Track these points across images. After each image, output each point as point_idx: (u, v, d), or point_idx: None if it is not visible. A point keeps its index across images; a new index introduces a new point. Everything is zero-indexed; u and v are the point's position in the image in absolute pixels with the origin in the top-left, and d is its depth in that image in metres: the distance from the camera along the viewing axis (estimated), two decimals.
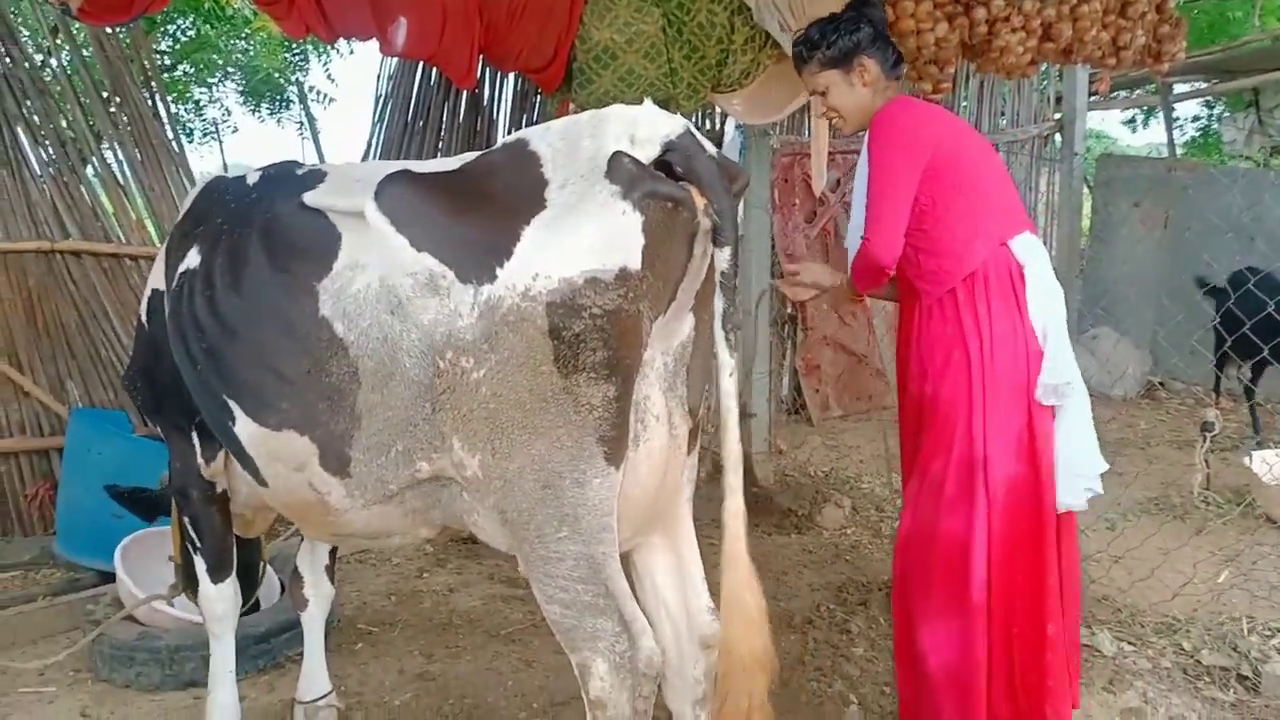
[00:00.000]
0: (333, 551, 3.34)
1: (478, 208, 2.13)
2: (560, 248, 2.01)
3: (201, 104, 9.77)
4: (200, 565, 3.01)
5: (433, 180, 2.21)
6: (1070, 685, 2.88)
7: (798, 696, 3.43)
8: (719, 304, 2.13)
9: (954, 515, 2.76)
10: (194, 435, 2.80)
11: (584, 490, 2.11)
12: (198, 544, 3.00)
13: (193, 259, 2.59)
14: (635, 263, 2.00)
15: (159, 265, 2.82)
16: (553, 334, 2.01)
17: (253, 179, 2.68)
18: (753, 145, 5.69)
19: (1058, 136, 8.29)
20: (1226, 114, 12.51)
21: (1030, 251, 2.80)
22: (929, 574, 2.81)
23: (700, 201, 2.07)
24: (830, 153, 5.16)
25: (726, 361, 2.14)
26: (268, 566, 3.97)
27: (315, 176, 2.48)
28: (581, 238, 2.00)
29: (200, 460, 2.81)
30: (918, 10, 4.76)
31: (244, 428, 2.45)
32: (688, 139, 2.09)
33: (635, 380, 2.14)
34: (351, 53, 9.61)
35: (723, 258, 2.10)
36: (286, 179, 2.56)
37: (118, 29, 4.57)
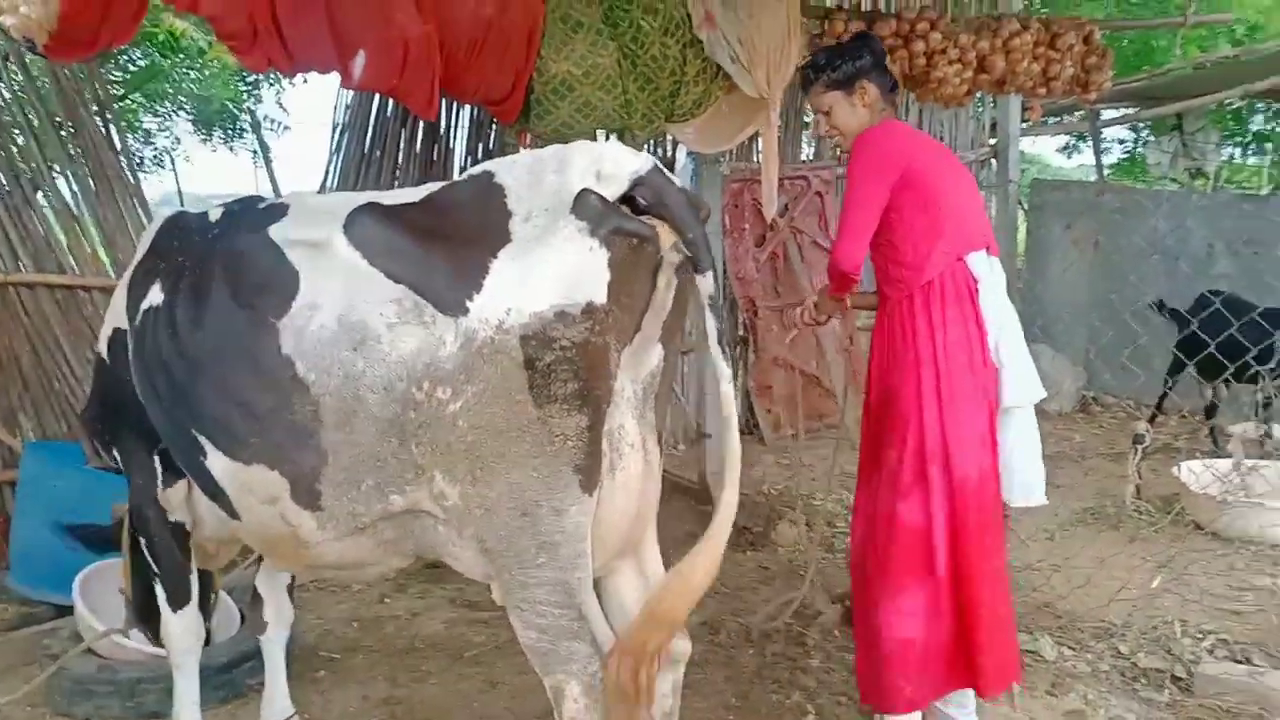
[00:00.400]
0: (292, 575, 3.36)
1: (444, 238, 2.18)
2: (529, 282, 2.08)
3: (152, 133, 9.71)
4: (161, 594, 3.01)
5: (400, 211, 2.26)
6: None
7: (757, 709, 3.53)
8: (711, 324, 2.19)
9: (909, 501, 2.98)
10: (155, 462, 2.81)
11: (561, 518, 2.18)
12: (156, 570, 3.00)
13: (155, 296, 2.60)
14: (601, 297, 2.08)
15: (120, 301, 2.82)
16: (527, 365, 2.08)
17: (215, 215, 2.70)
18: (704, 172, 5.85)
19: (994, 161, 8.56)
20: (1151, 138, 13.00)
21: (984, 268, 3.05)
22: (887, 557, 3.01)
23: (666, 237, 2.15)
24: (779, 179, 5.30)
25: (725, 372, 2.19)
26: (225, 596, 4.00)
27: (278, 210, 2.50)
28: (549, 272, 2.07)
29: (159, 485, 2.82)
30: None
31: (215, 462, 2.47)
32: (656, 175, 2.17)
33: (606, 410, 2.20)
34: (305, 81, 9.62)
35: (706, 284, 2.17)
36: (249, 213, 2.59)
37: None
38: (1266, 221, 6.61)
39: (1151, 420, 6.25)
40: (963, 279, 3.02)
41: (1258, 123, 13.84)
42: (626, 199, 2.16)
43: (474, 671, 3.89)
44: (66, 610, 3.99)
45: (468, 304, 2.10)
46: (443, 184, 2.37)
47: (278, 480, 2.36)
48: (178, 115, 9.93)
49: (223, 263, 2.45)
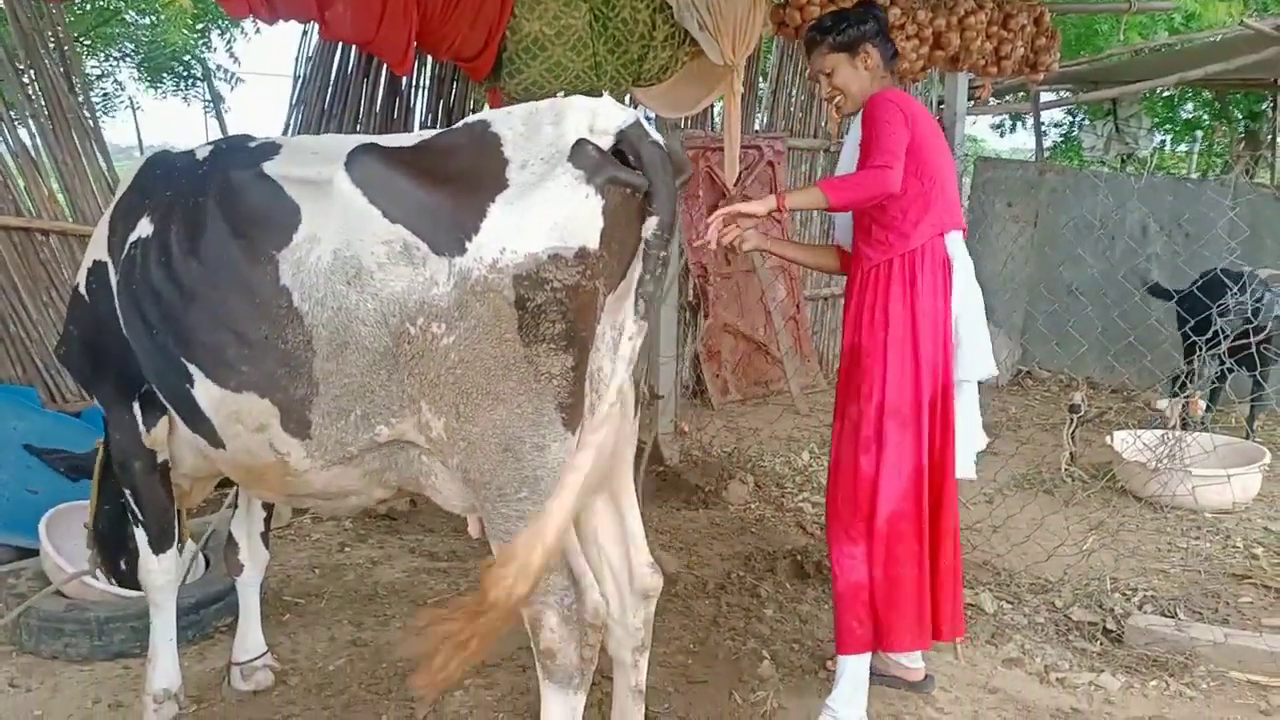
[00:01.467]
0: (267, 519, 3.43)
1: (442, 182, 2.23)
2: (525, 225, 2.14)
3: (97, 78, 9.42)
4: (142, 537, 3.04)
5: (400, 154, 2.30)
6: (955, 616, 3.28)
7: (715, 654, 3.67)
8: (635, 270, 2.24)
9: (867, 454, 3.12)
10: (135, 405, 2.83)
11: (543, 454, 2.26)
12: (140, 516, 3.03)
13: (145, 228, 2.62)
14: (594, 243, 2.16)
15: (101, 237, 2.83)
16: (518, 304, 2.15)
17: (203, 152, 2.72)
18: (665, 138, 5.91)
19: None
20: (1087, 121, 13.36)
21: (958, 248, 3.19)
22: (844, 503, 3.19)
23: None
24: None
25: (629, 327, 2.22)
26: (192, 543, 4.03)
27: (270, 148, 2.55)
28: (546, 216, 2.14)
29: (141, 428, 2.85)
30: (822, 15, 5.07)
31: (203, 390, 2.51)
32: (636, 129, 2.24)
33: (590, 352, 2.28)
34: (258, 31, 9.42)
35: (649, 225, 2.21)
36: (240, 150, 2.62)
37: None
38: (1198, 204, 6.91)
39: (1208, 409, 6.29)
40: (940, 254, 3.14)
41: (1188, 110, 14.31)
42: (617, 152, 2.22)
43: None
44: (28, 552, 3.98)
45: (465, 244, 2.16)
46: (437, 131, 2.42)
47: (268, 408, 2.41)
48: (125, 62, 9.66)
49: (219, 196, 2.48)
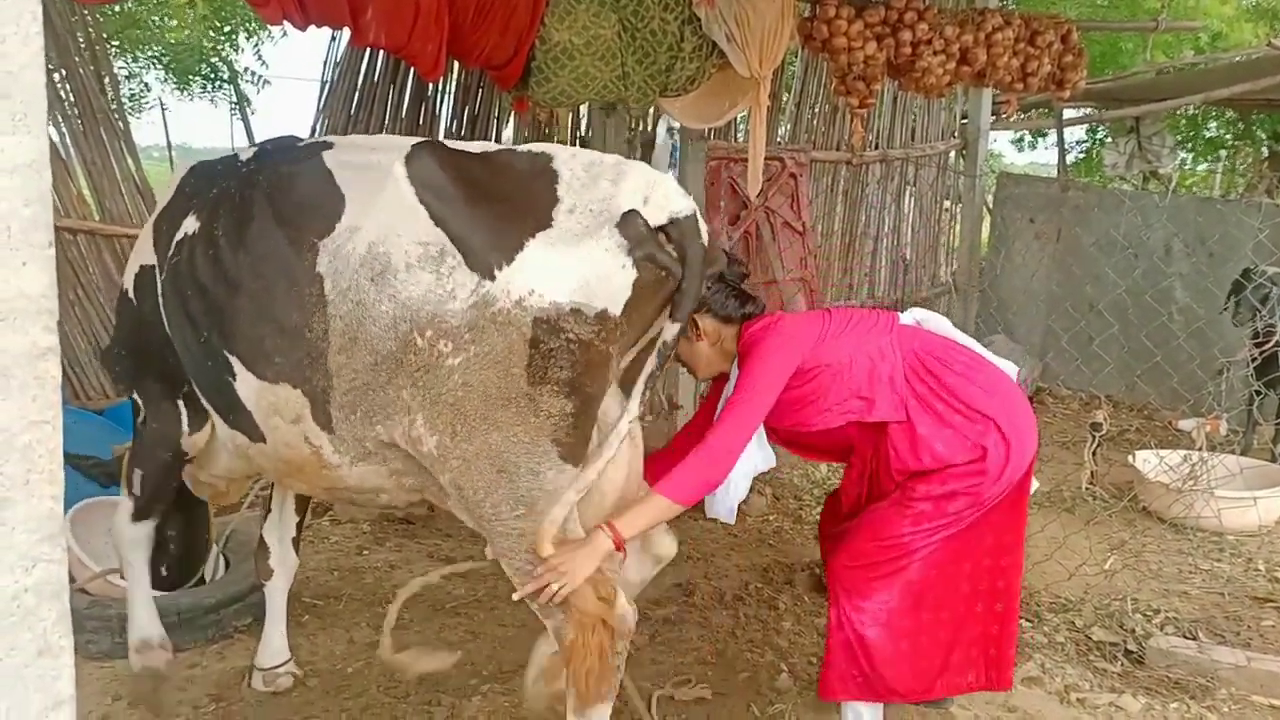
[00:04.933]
0: (299, 523, 3.44)
1: (492, 200, 2.26)
2: (557, 272, 2.18)
3: (125, 78, 9.51)
4: (128, 505, 3.13)
5: (459, 158, 2.32)
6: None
7: (733, 666, 3.66)
8: (651, 365, 2.37)
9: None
10: (180, 405, 2.88)
11: (538, 478, 2.29)
12: (136, 492, 3.10)
13: (190, 225, 2.65)
14: (617, 310, 2.22)
15: (146, 241, 2.88)
16: (532, 344, 2.18)
17: (247, 154, 2.78)
18: (688, 148, 5.93)
19: (961, 154, 8.76)
20: (1109, 139, 13.32)
21: (922, 316, 3.13)
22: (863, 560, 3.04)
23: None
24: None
25: (633, 409, 2.36)
26: (214, 546, 4.06)
27: (323, 144, 2.58)
28: (577, 272, 2.18)
29: (185, 429, 2.90)
30: (850, 29, 5.10)
31: (245, 382, 2.53)
32: (690, 222, 2.30)
33: (597, 404, 2.32)
34: (285, 35, 9.50)
35: (671, 330, 2.33)
36: (288, 148, 2.68)
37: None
38: (1225, 224, 6.87)
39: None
40: (914, 353, 2.95)
41: (1211, 130, 14.25)
42: (661, 230, 2.29)
43: (455, 622, 3.98)
44: None
45: (495, 271, 2.19)
46: (501, 147, 2.46)
47: (300, 399, 2.45)
48: (154, 64, 9.74)
49: (267, 186, 2.51)
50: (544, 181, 2.27)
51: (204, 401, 2.77)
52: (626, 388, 2.46)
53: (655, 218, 2.25)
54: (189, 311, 2.61)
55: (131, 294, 2.93)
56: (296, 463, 2.62)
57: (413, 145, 2.32)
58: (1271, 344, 5.26)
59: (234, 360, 2.52)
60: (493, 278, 2.18)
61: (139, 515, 3.14)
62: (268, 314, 2.42)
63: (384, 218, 2.28)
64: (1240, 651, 3.77)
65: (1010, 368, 3.18)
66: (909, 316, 3.14)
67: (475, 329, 2.18)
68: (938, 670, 3.07)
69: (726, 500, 3.07)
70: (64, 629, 1.14)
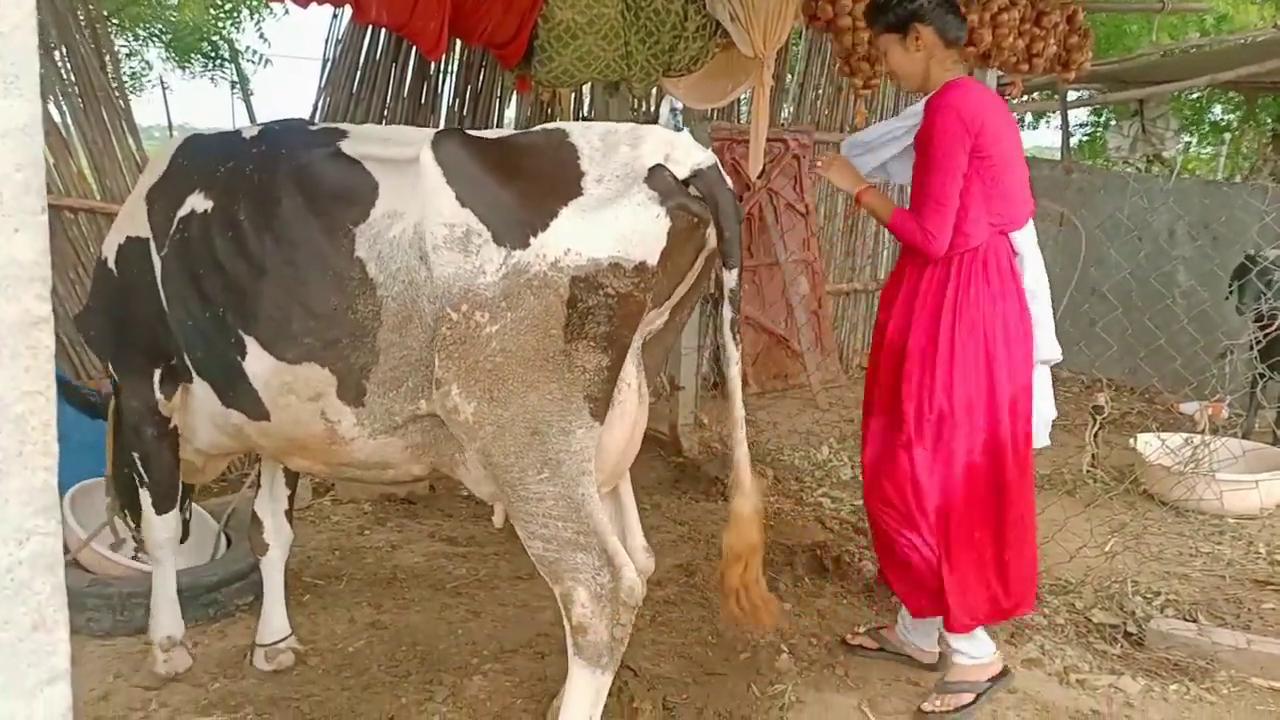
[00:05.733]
0: (291, 496, 3.45)
1: (518, 179, 2.33)
2: (595, 232, 2.25)
3: (126, 56, 9.44)
4: (147, 498, 3.18)
5: (481, 144, 2.39)
6: (994, 598, 3.29)
7: (733, 646, 3.66)
8: (728, 313, 2.46)
9: (910, 450, 3.17)
10: (156, 375, 2.92)
11: (568, 438, 2.35)
12: (146, 478, 3.14)
13: (198, 202, 2.67)
14: (654, 259, 2.29)
15: (137, 213, 2.87)
16: (570, 303, 2.25)
17: (252, 132, 2.81)
18: (691, 129, 5.90)
19: None
20: (1114, 121, 13.26)
21: (1027, 242, 3.16)
22: (894, 496, 3.23)
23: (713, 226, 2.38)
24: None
25: (734, 356, 2.51)
26: (209, 518, 4.08)
27: (336, 132, 2.63)
28: (615, 228, 2.25)
29: (159, 396, 2.94)
30: (854, 9, 5.06)
31: (258, 362, 2.57)
32: (714, 172, 2.36)
33: (626, 355, 2.40)
34: (287, 13, 9.45)
35: (731, 278, 2.41)
36: (302, 131, 2.72)
37: None
38: (1231, 207, 6.84)
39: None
40: (1005, 250, 3.12)
41: (1216, 113, 14.18)
42: (686, 185, 2.35)
43: (456, 601, 3.98)
44: None
45: (530, 239, 2.25)
46: (517, 131, 2.57)
47: (326, 377, 2.50)
48: (154, 41, 9.69)
49: (292, 170, 2.55)
50: (566, 156, 2.35)
51: (193, 374, 2.80)
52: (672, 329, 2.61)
53: (679, 173, 2.32)
54: (200, 290, 2.64)
55: (112, 264, 2.94)
56: (301, 439, 2.67)
57: (436, 133, 2.39)
58: (1275, 327, 5.24)
59: (250, 340, 2.57)
60: (526, 246, 2.25)
61: (159, 504, 3.19)
62: (297, 297, 2.49)
63: (418, 202, 2.36)
64: (1240, 634, 3.78)
65: (1053, 350, 3.26)
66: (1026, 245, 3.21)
67: (510, 296, 2.25)
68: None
69: (1041, 424, 3.28)
70: (59, 603, 1.13)
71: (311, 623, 3.75)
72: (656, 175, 2.29)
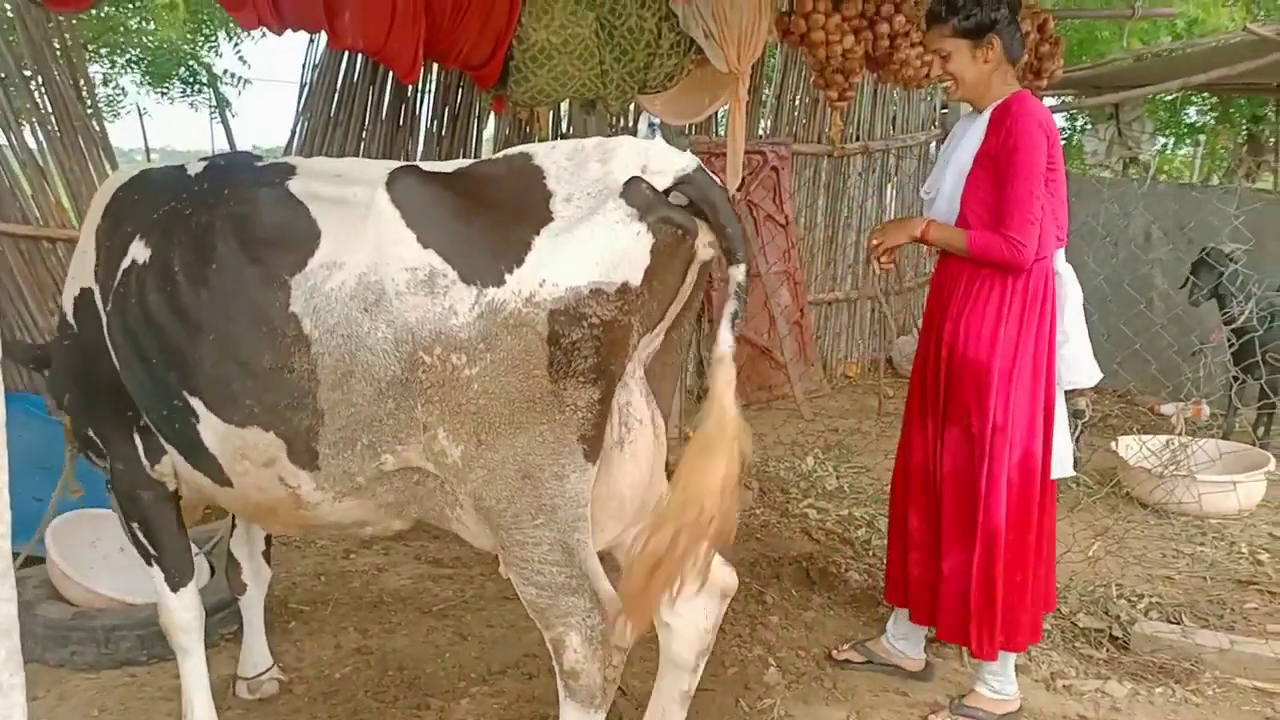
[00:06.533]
0: (268, 536, 3.36)
1: (483, 212, 2.19)
2: (569, 258, 2.11)
3: (102, 82, 9.41)
4: (158, 575, 2.88)
5: (440, 179, 2.26)
6: (1036, 621, 3.33)
7: (720, 661, 3.66)
8: (730, 306, 2.25)
9: (983, 465, 3.14)
10: (136, 438, 2.71)
11: (562, 483, 2.23)
12: (153, 551, 2.86)
13: (139, 252, 2.49)
14: (637, 280, 2.14)
15: (86, 261, 2.68)
16: (550, 340, 2.11)
17: (196, 168, 2.62)
18: (670, 144, 5.92)
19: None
20: (1089, 126, 13.37)
21: (1063, 263, 3.19)
22: (955, 514, 3.22)
23: (703, 234, 2.22)
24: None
25: (727, 341, 2.24)
26: (194, 547, 4.03)
27: (284, 168, 2.46)
28: (592, 250, 2.11)
29: (145, 462, 2.73)
30: (828, 23, 5.10)
31: (208, 426, 2.42)
32: (701, 174, 2.22)
33: (617, 386, 2.25)
34: (263, 36, 9.47)
35: (738, 273, 2.24)
36: (246, 168, 2.53)
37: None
38: (1203, 211, 6.90)
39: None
40: (1049, 268, 3.14)
41: (1191, 115, 14.32)
42: (670, 194, 2.20)
43: (443, 624, 3.98)
44: (31, 560, 3.98)
45: (505, 276, 2.12)
46: (475, 160, 2.40)
47: (274, 441, 2.35)
48: (132, 67, 9.65)
49: (229, 215, 2.39)
50: (531, 180, 2.22)
51: (160, 437, 2.64)
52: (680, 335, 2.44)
53: (661, 183, 2.17)
54: (141, 348, 2.47)
55: (73, 321, 2.74)
56: (267, 506, 2.53)
57: (390, 172, 2.26)
58: (1239, 322, 5.33)
59: (196, 403, 2.41)
60: (501, 283, 2.12)
61: (173, 581, 2.88)
62: (235, 355, 2.32)
63: (370, 249, 2.21)
64: (1224, 635, 3.81)
65: (1092, 373, 3.29)
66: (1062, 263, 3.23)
67: (488, 337, 2.12)
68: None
69: (1060, 454, 3.25)
70: (14, 666, 1.11)
71: (297, 650, 3.74)
72: (633, 189, 2.13)
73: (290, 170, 2.44)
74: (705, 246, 2.24)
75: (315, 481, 2.39)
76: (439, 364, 2.16)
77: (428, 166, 2.33)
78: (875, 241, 3.34)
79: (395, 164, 2.34)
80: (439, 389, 2.18)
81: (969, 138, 3.15)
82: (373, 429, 2.28)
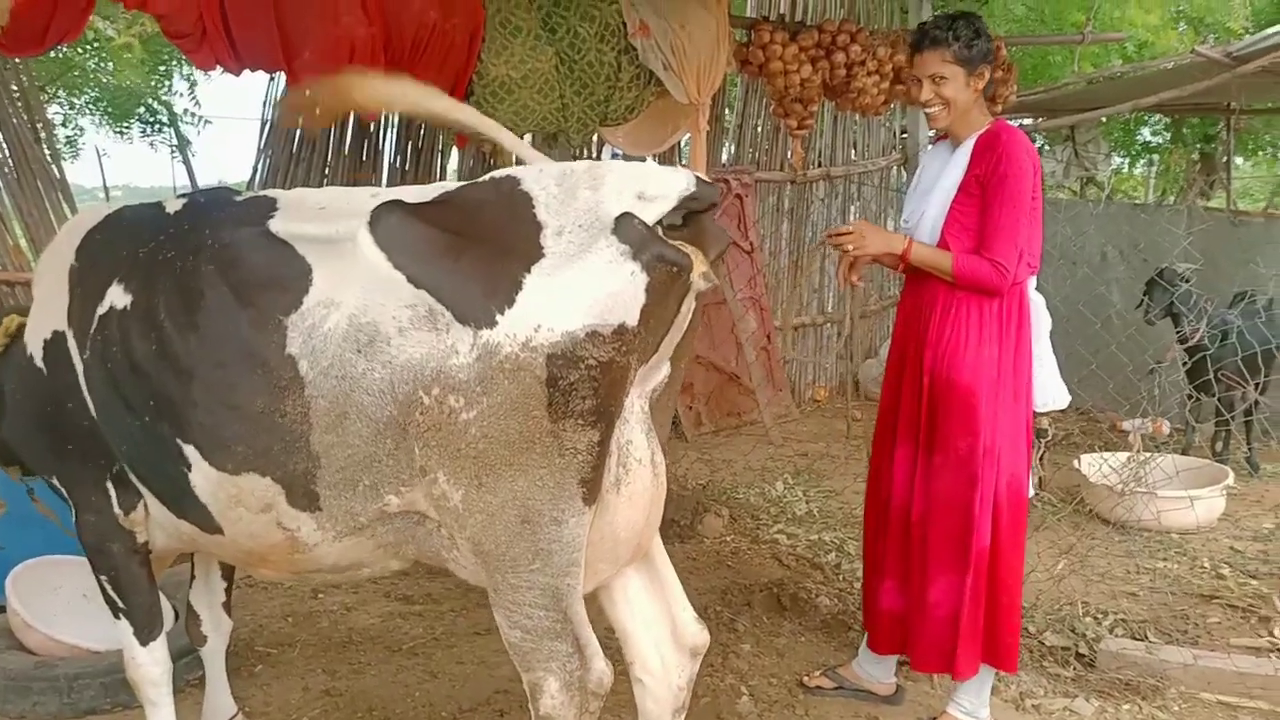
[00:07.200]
0: (228, 588, 3.28)
1: (472, 246, 2.12)
2: (565, 301, 2.03)
3: (60, 123, 9.38)
4: (126, 628, 2.79)
5: (425, 212, 2.17)
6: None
7: (694, 691, 3.63)
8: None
9: (975, 488, 3.16)
10: (109, 487, 2.63)
11: (560, 528, 2.17)
12: (121, 605, 2.77)
13: (119, 298, 2.41)
14: (634, 320, 2.05)
15: (56, 303, 2.58)
16: (549, 383, 2.03)
17: (174, 206, 2.56)
18: None
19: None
20: (1046, 148, 13.62)
21: (1034, 290, 3.27)
22: (944, 537, 3.22)
23: (697, 264, 2.14)
24: None
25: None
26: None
27: (265, 203, 2.40)
28: (587, 293, 2.03)
29: (118, 511, 2.65)
30: (785, 53, 5.19)
31: (201, 475, 2.36)
32: (704, 185, 2.16)
33: (616, 425, 2.19)
34: (221, 73, 9.47)
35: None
36: (227, 205, 2.47)
37: None
38: (1153, 231, 7.05)
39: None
40: (1024, 291, 3.20)
41: (1145, 135, 14.61)
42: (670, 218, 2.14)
43: (413, 663, 3.95)
44: None
45: (497, 317, 2.05)
46: (461, 184, 2.30)
47: (270, 486, 2.30)
48: (91, 108, 9.61)
49: (217, 258, 2.33)
50: (520, 208, 2.12)
51: (139, 486, 2.57)
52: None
53: (661, 209, 2.09)
54: (127, 398, 2.40)
55: (42, 365, 2.62)
56: (260, 552, 2.46)
57: (373, 210, 2.15)
58: (1194, 341, 5.44)
59: (189, 450, 2.34)
60: (494, 324, 2.04)
61: (142, 635, 2.79)
62: (228, 401, 2.25)
63: (360, 289, 2.15)
64: (1187, 650, 3.85)
65: (1061, 396, 3.42)
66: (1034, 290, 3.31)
67: (485, 380, 2.05)
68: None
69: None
70: None
71: (264, 693, 3.70)
72: (624, 225, 2.04)
73: (272, 205, 2.37)
74: (700, 278, 2.17)
75: (316, 522, 2.32)
76: (436, 405, 2.10)
77: (411, 196, 2.23)
78: (850, 247, 3.24)
79: (378, 194, 2.26)
80: (436, 432, 2.12)
81: (952, 165, 3.18)
82: (372, 470, 2.22)
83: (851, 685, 3.62)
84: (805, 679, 3.71)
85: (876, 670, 3.59)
